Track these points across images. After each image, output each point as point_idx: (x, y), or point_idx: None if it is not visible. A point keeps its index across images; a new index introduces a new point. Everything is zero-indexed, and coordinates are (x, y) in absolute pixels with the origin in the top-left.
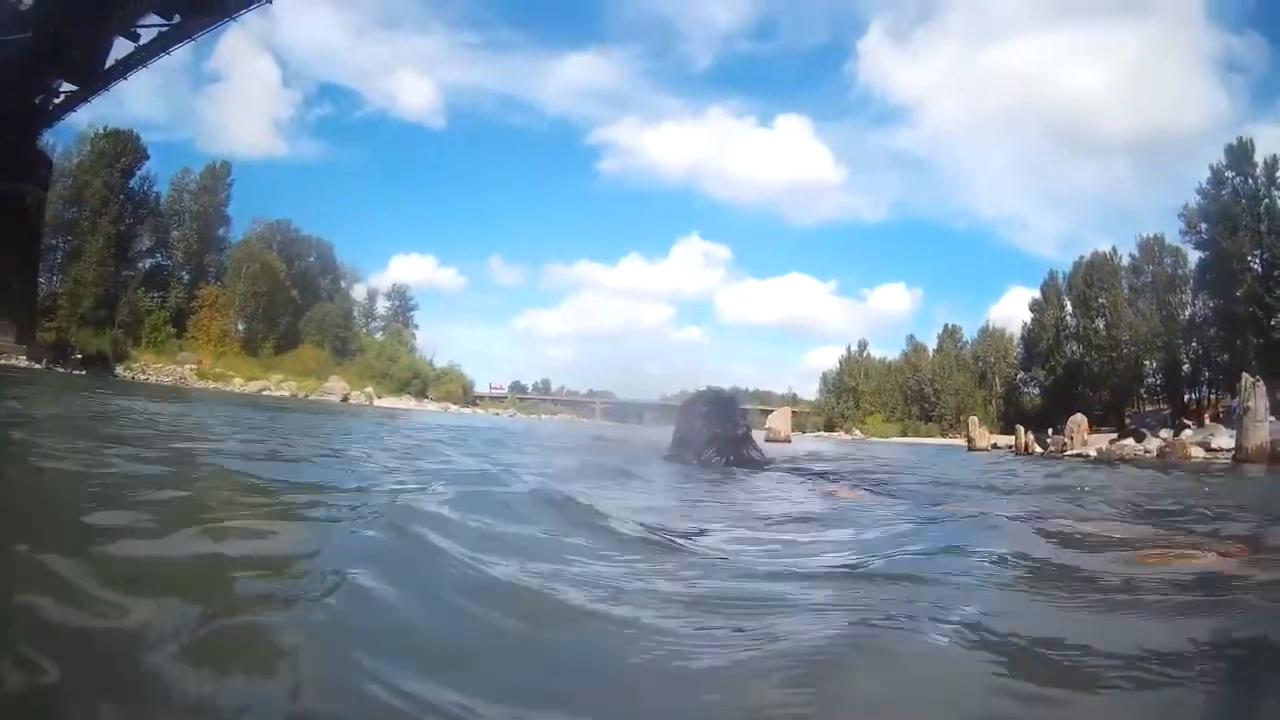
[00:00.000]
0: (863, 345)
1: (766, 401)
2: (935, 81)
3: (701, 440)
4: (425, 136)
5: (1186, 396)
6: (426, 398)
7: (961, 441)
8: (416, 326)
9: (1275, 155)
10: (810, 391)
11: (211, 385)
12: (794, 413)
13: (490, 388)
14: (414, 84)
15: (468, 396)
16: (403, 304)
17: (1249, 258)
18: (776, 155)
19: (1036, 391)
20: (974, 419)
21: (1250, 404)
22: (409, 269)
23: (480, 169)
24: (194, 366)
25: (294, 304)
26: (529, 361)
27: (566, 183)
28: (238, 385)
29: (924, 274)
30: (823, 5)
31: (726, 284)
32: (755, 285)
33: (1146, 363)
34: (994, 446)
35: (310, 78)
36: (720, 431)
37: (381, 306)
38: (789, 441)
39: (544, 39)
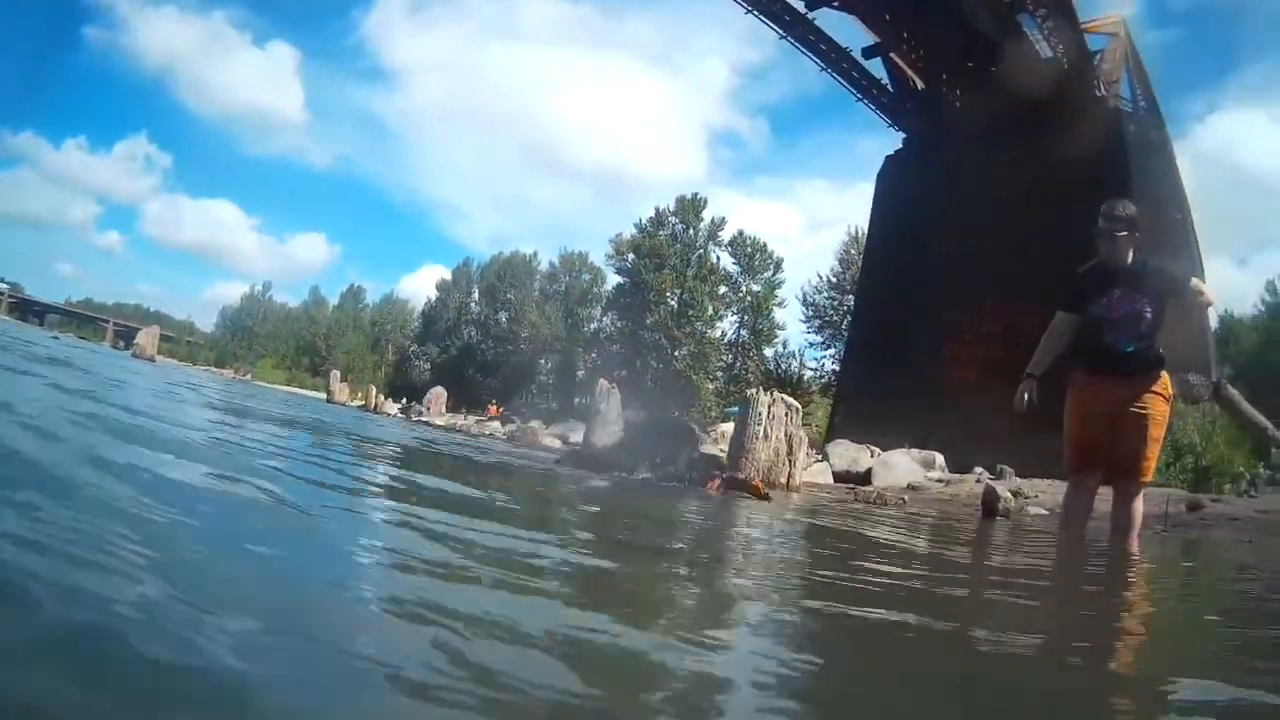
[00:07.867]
0: (267, 286)
1: (166, 326)
2: (432, 59)
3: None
4: None
5: (580, 399)
6: None
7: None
8: None
9: (724, 217)
10: (209, 324)
11: None
12: (187, 342)
13: None
14: None
15: None
16: None
17: (668, 294)
18: (255, 78)
19: (427, 365)
20: (335, 373)
21: (603, 407)
22: None
23: None
24: None
25: None
26: None
27: (46, 40)
28: None
29: (349, 232)
30: None
31: (159, 195)
32: (186, 203)
33: (543, 361)
34: (347, 404)
35: None
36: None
37: None
38: (154, 360)
39: None
